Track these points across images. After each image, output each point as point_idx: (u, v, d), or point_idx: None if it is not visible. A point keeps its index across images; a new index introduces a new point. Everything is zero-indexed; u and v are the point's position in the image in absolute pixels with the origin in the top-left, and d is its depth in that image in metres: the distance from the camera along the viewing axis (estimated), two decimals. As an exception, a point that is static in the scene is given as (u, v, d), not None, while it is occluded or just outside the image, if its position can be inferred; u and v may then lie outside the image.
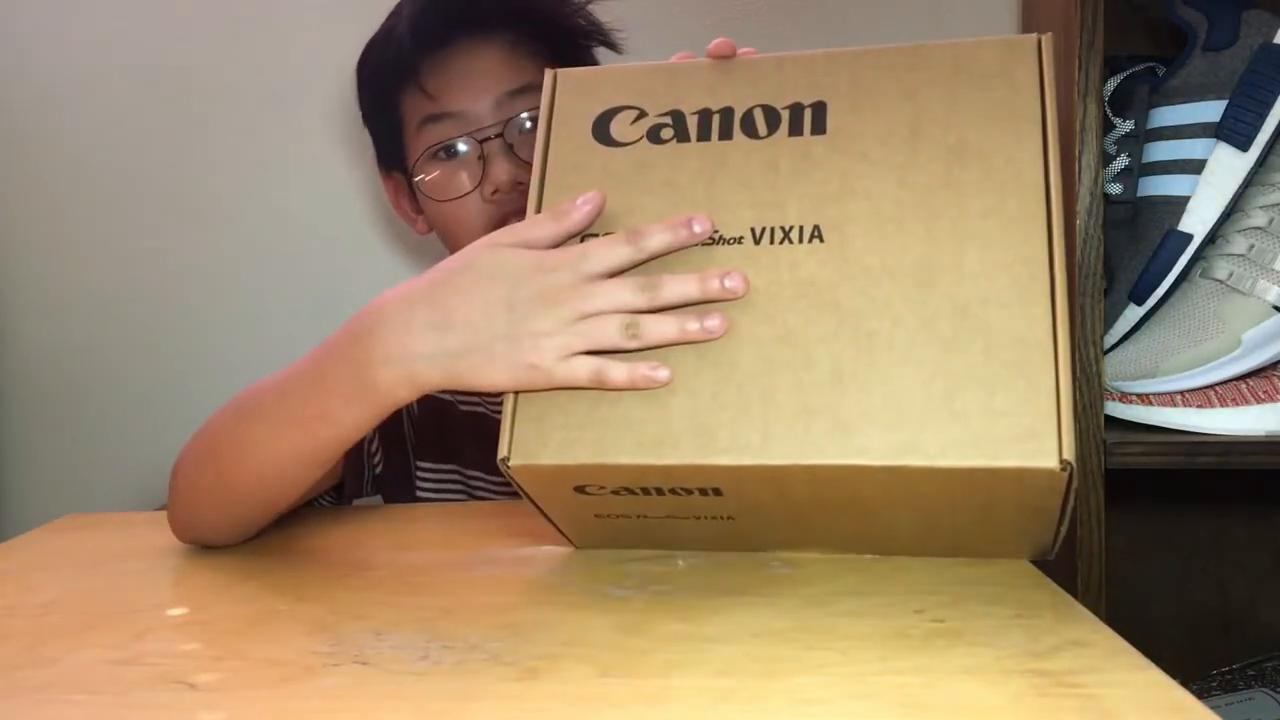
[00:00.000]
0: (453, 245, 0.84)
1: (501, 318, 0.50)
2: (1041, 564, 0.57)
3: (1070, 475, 0.44)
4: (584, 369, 0.49)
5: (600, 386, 0.49)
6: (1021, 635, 0.46)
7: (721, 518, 0.51)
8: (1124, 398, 0.87)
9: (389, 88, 0.85)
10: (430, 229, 0.89)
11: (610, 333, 0.49)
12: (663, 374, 0.49)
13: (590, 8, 0.89)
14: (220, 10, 1.18)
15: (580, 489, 0.50)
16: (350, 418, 0.55)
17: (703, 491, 0.48)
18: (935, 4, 1.13)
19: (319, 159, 1.18)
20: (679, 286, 0.50)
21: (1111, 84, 0.91)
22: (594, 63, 0.90)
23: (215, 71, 1.18)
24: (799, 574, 0.55)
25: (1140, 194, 0.90)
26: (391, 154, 0.89)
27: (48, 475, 1.22)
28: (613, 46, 0.90)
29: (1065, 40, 0.86)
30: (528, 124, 0.81)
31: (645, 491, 0.49)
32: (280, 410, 0.59)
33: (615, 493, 0.49)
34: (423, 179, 0.84)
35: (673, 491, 0.49)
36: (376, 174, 1.17)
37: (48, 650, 0.48)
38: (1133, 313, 0.89)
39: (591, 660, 0.44)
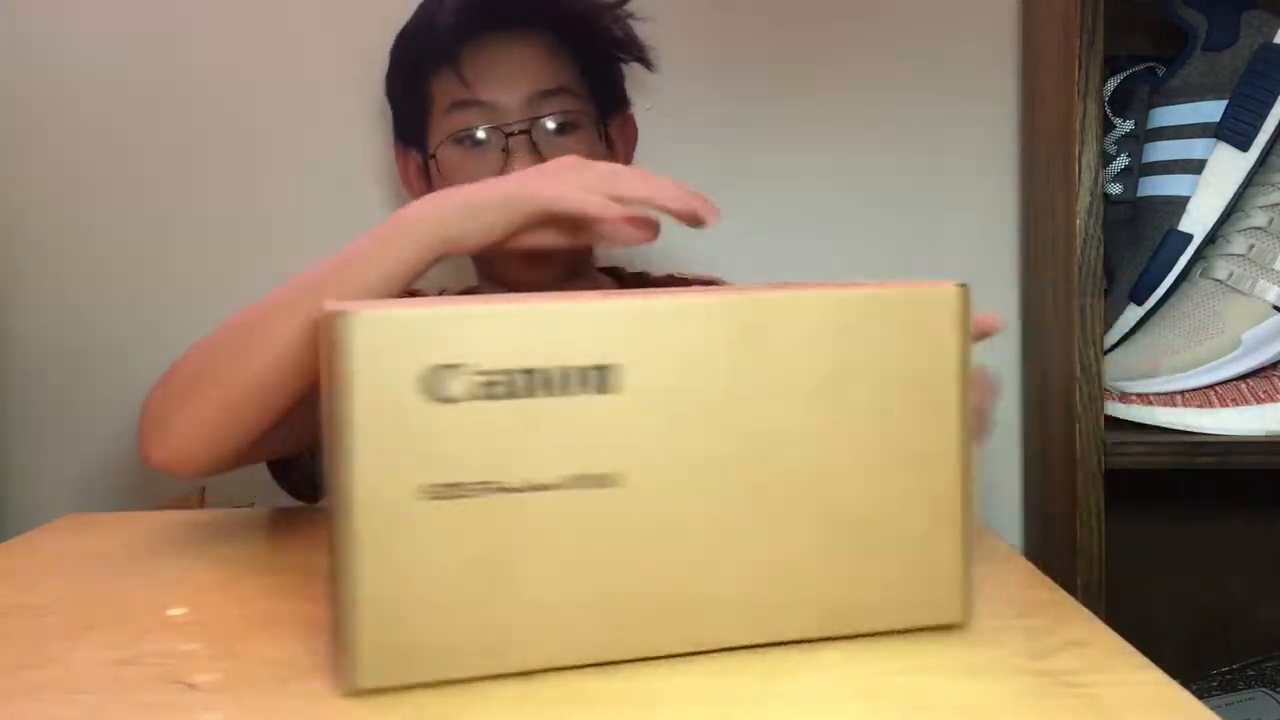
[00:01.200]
0: None
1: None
2: (1042, 564, 0.57)
3: (966, 312, 0.44)
4: (554, 191, 0.57)
5: (560, 201, 0.57)
6: (1021, 635, 0.46)
7: (603, 482, 0.41)
8: (1124, 398, 0.87)
9: (424, 67, 0.86)
10: None
11: (594, 178, 0.58)
12: (615, 209, 0.55)
13: (630, 22, 0.90)
14: (220, 9, 1.18)
15: (439, 379, 0.39)
16: (383, 253, 0.62)
17: (599, 380, 0.40)
18: (937, 3, 1.13)
19: (324, 158, 1.18)
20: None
21: (1111, 84, 0.91)
22: (620, 77, 0.93)
23: (215, 71, 1.18)
24: (799, 574, 0.55)
25: (1140, 194, 0.90)
26: (411, 130, 0.89)
27: (48, 475, 1.22)
28: (646, 64, 0.92)
29: (1065, 41, 0.86)
30: (550, 125, 0.83)
31: (526, 388, 0.40)
32: (306, 277, 0.64)
33: (486, 386, 0.39)
34: (444, 160, 0.85)
35: (553, 388, 0.40)
36: (381, 179, 1.17)
37: (48, 650, 0.48)
38: (1133, 313, 0.89)
39: (591, 660, 0.44)
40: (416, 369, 0.38)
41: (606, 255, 0.99)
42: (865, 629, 0.44)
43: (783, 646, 0.45)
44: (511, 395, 0.39)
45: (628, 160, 0.94)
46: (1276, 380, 0.84)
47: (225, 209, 1.20)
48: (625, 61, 0.92)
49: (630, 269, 0.98)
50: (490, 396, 0.39)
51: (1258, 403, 0.82)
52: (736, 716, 0.38)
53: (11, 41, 1.19)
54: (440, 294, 0.96)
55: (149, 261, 1.21)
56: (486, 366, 0.39)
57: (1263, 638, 1.10)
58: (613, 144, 0.91)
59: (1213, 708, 0.37)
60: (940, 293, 0.44)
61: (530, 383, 0.39)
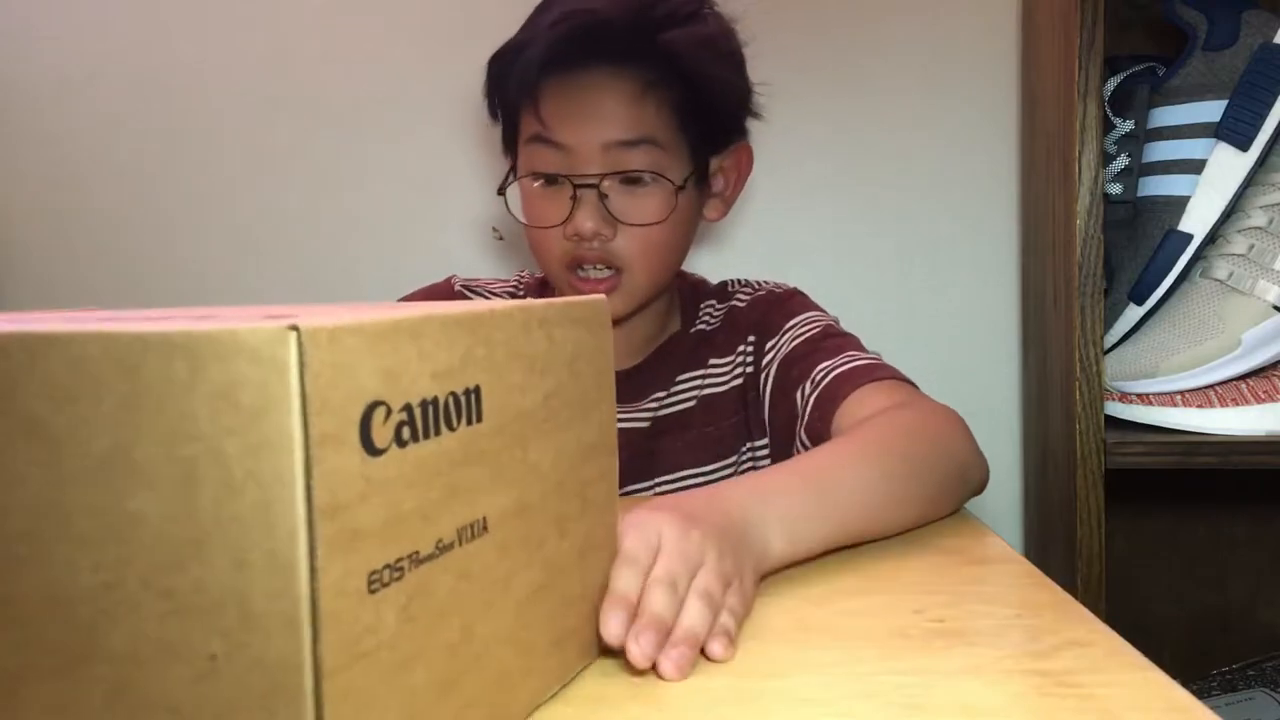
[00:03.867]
0: (533, 251, 0.84)
1: None
2: (1041, 564, 0.57)
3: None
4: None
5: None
6: (1021, 635, 0.46)
7: None
8: (1124, 398, 0.87)
9: (509, 99, 0.82)
10: None
11: None
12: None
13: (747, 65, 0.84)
14: (218, 9, 1.18)
15: None
16: None
17: None
18: (937, 4, 1.13)
19: (319, 158, 1.18)
20: None
21: (1111, 84, 0.91)
22: (734, 125, 0.85)
23: (214, 71, 1.18)
24: (799, 574, 0.55)
25: (1140, 194, 0.90)
26: (508, 144, 0.86)
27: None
28: (751, 112, 0.86)
29: (1065, 41, 0.86)
30: (620, 182, 0.79)
31: None
32: None
33: None
34: (523, 188, 0.82)
35: None
36: (373, 176, 1.17)
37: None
38: (1133, 313, 0.89)
39: (591, 660, 0.44)
40: None
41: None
42: None
43: (780, 647, 0.45)
44: None
45: (736, 190, 0.88)
46: (1276, 380, 0.84)
47: (227, 211, 1.20)
48: (733, 109, 0.84)
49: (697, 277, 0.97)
50: None
51: (1258, 403, 0.82)
52: (736, 716, 0.38)
53: (11, 41, 1.20)
54: (520, 276, 0.94)
55: (149, 262, 1.21)
56: None
57: (1263, 638, 1.10)
58: (716, 176, 0.86)
59: (1213, 707, 0.37)
60: (242, 335, 0.27)
61: None
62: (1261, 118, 0.83)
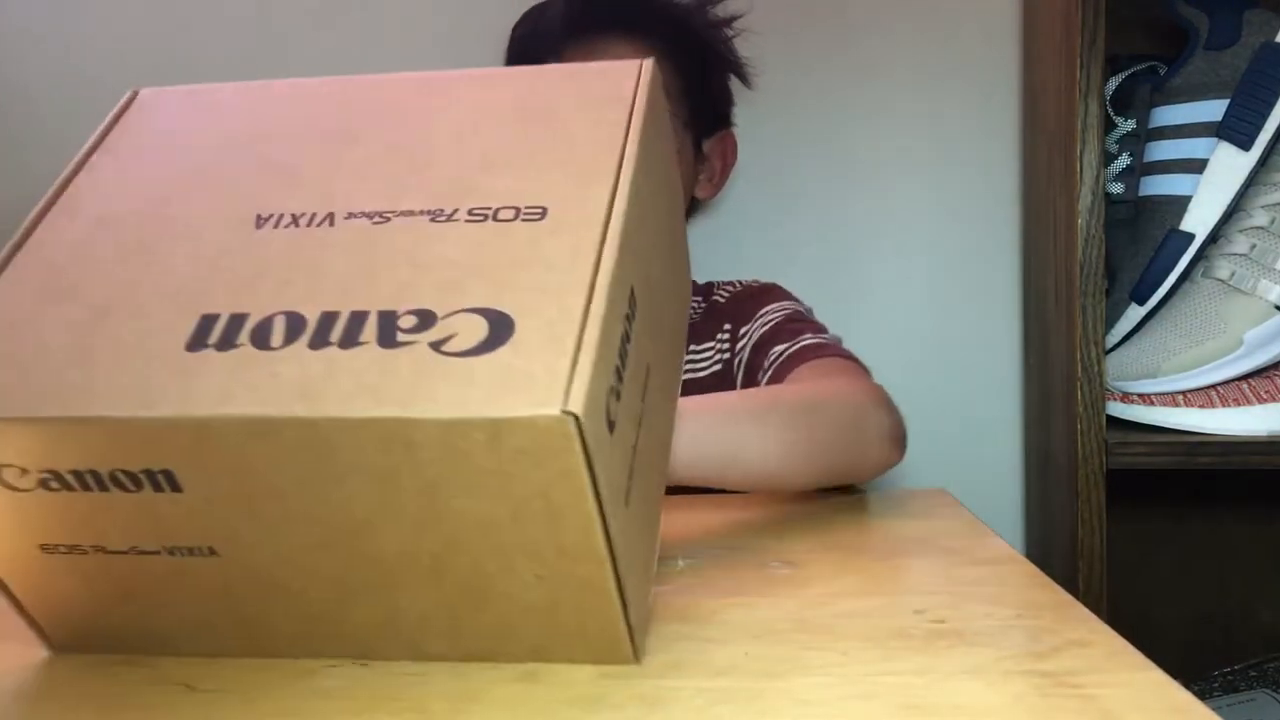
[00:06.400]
0: None
1: None
2: (1042, 564, 0.57)
3: (585, 450, 0.33)
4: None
5: None
6: (1022, 635, 0.46)
7: (201, 551, 0.40)
8: (1125, 398, 0.87)
9: (534, 59, 0.91)
10: None
11: None
12: None
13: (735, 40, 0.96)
14: (217, 10, 1.18)
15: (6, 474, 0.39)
16: None
17: (154, 483, 0.38)
18: (938, 4, 1.13)
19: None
20: None
21: (1113, 83, 0.91)
22: (722, 109, 0.99)
23: (212, 71, 1.18)
24: (799, 574, 0.55)
25: (1142, 193, 0.90)
26: None
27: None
28: (745, 80, 0.97)
29: (1066, 40, 0.86)
30: None
31: (82, 484, 0.38)
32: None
33: (45, 484, 0.39)
34: None
35: (116, 483, 0.38)
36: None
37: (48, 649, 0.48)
38: (1134, 312, 0.89)
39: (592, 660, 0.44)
40: None
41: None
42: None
43: (780, 647, 0.44)
44: (72, 489, 0.39)
45: (723, 176, 0.98)
46: (1278, 380, 0.84)
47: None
48: (728, 78, 0.96)
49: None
50: (50, 489, 0.39)
51: (1259, 403, 0.82)
52: (736, 716, 0.38)
53: (11, 40, 1.19)
54: None
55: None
56: (41, 468, 0.38)
57: (1263, 638, 1.10)
58: (707, 159, 0.95)
59: (1214, 708, 0.37)
60: (549, 424, 0.33)
61: (89, 481, 0.38)
62: (1263, 117, 0.83)
